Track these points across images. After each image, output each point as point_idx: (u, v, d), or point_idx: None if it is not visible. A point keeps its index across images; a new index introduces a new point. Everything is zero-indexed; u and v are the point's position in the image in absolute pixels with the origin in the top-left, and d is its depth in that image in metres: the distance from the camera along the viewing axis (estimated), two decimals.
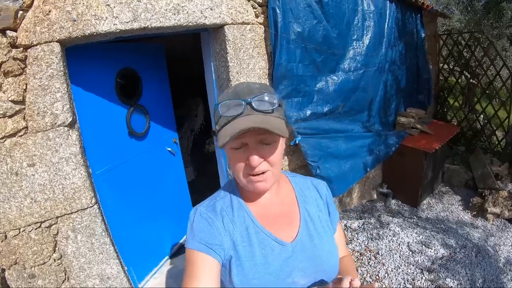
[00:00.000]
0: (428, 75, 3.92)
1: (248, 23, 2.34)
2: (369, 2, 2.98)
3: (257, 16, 2.40)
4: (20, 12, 1.59)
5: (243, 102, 0.79)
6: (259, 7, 2.38)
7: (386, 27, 3.16)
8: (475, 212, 3.29)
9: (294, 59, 2.53)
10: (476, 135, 4.38)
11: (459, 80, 4.52)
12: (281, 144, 0.87)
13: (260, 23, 2.42)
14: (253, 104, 0.79)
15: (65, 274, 2.03)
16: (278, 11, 2.36)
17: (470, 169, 3.81)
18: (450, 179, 3.94)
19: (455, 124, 4.53)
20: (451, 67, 4.57)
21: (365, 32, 2.98)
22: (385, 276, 2.53)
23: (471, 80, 4.43)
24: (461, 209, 3.43)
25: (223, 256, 0.83)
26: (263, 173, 0.83)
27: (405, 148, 3.38)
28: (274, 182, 0.88)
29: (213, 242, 0.83)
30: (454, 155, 4.24)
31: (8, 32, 1.58)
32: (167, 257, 2.99)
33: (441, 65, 4.59)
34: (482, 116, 4.41)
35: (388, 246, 2.84)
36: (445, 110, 4.74)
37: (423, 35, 3.72)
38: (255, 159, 0.79)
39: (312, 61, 2.65)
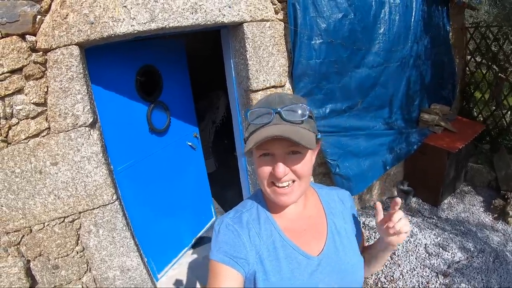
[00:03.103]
0: (453, 69, 3.75)
1: (267, 20, 2.30)
2: None
3: (276, 13, 2.34)
4: (38, 16, 1.62)
5: (272, 111, 0.79)
6: (278, 3, 2.32)
7: (412, 21, 3.02)
8: (496, 215, 3.19)
9: (318, 55, 2.47)
10: (502, 133, 4.20)
11: (487, 75, 4.29)
12: (311, 157, 0.86)
13: (280, 20, 2.37)
14: (282, 114, 0.78)
15: (87, 266, 2.13)
16: (298, 6, 2.30)
17: (494, 169, 3.67)
18: (473, 179, 3.82)
19: (481, 120, 4.35)
20: (479, 61, 4.35)
21: (390, 26, 2.85)
22: (400, 278, 2.52)
23: (499, 75, 4.20)
24: (482, 210, 3.33)
25: (247, 270, 0.83)
26: (288, 185, 0.82)
27: (427, 146, 3.28)
28: (300, 195, 0.87)
29: (238, 255, 0.82)
30: (479, 153, 4.08)
31: (27, 36, 1.62)
32: (186, 248, 3.07)
33: (468, 57, 4.37)
34: (509, 113, 4.20)
35: (405, 247, 2.81)
36: (471, 105, 4.54)
37: (448, 28, 3.54)
38: (280, 169, 0.78)
39: (338, 57, 2.58)
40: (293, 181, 0.82)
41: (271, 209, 0.92)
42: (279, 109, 0.79)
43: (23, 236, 1.89)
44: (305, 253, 0.86)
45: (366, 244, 1.11)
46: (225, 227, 0.88)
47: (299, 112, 0.80)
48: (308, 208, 0.95)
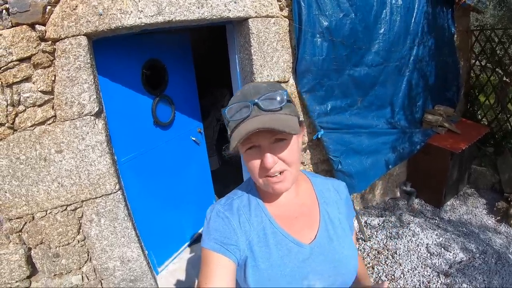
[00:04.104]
0: (458, 71, 3.75)
1: (272, 16, 2.32)
2: None
3: (281, 9, 2.37)
4: (48, 7, 1.66)
5: (250, 104, 0.77)
6: (283, 0, 2.35)
7: (412, 22, 3.02)
8: (499, 217, 3.17)
9: (320, 52, 2.49)
10: (506, 137, 4.17)
11: (491, 78, 4.29)
12: (297, 142, 0.83)
13: (284, 16, 2.40)
14: (260, 104, 0.77)
15: (88, 255, 2.15)
16: (302, 4, 2.33)
17: (498, 172, 3.65)
18: (476, 181, 3.80)
19: (485, 123, 4.34)
20: (483, 64, 4.34)
21: (391, 26, 2.87)
22: (401, 277, 2.51)
23: (504, 79, 4.19)
24: (485, 213, 3.31)
25: (238, 257, 0.82)
26: (280, 173, 0.80)
27: (431, 147, 3.27)
28: (293, 182, 0.85)
29: (228, 242, 0.82)
30: (482, 156, 4.06)
31: (37, 26, 1.66)
32: (187, 243, 3.08)
33: (473, 61, 4.37)
34: None
35: (406, 246, 2.80)
36: (475, 108, 4.53)
37: (453, 30, 3.55)
38: (269, 160, 0.76)
39: (337, 55, 2.60)
40: (284, 171, 0.81)
41: (262, 196, 0.92)
42: (255, 100, 0.77)
43: (25, 223, 1.91)
44: (296, 240, 0.86)
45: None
46: (216, 214, 0.88)
47: (277, 99, 0.78)
48: (300, 196, 0.94)
